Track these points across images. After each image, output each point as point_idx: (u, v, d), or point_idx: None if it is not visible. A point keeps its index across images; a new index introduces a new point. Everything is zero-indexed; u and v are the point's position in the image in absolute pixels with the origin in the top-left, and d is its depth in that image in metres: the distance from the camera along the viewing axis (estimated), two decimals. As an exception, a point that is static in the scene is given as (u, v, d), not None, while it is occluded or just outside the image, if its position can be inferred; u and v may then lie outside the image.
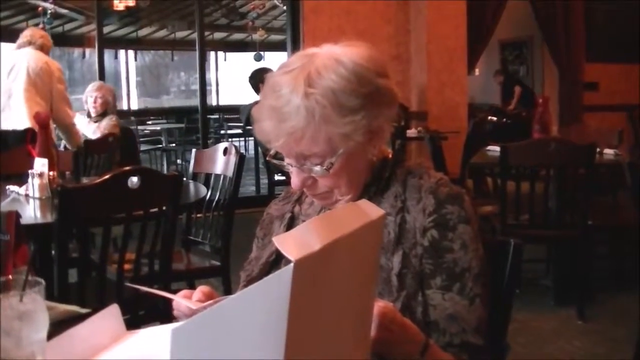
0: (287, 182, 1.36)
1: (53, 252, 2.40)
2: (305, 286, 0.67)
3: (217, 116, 12.68)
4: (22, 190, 2.89)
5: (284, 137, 1.19)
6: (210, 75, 15.01)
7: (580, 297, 3.81)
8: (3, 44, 7.62)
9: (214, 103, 15.05)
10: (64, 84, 4.80)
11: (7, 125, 4.52)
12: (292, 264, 0.64)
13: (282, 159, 1.27)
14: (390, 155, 1.34)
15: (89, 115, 5.22)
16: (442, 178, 1.30)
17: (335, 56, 1.21)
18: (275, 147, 1.24)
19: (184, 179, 2.92)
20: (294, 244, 0.68)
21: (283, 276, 0.64)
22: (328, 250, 0.70)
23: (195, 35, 7.73)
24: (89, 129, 5.13)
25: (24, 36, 4.72)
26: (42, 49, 4.70)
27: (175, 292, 1.26)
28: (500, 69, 10.43)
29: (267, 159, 1.31)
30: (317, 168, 1.22)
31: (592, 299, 3.90)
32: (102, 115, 5.18)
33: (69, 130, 4.80)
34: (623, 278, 4.31)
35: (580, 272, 3.87)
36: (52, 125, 4.37)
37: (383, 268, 1.21)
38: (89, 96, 5.18)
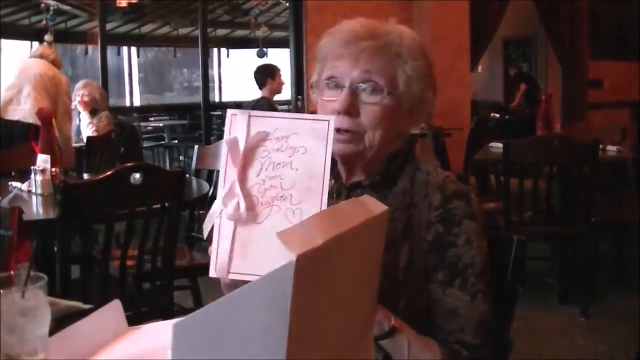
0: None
1: (55, 248, 2.40)
2: (307, 281, 0.66)
3: (219, 113, 12.66)
4: (24, 186, 2.89)
5: (364, 46, 1.25)
6: (213, 72, 14.97)
7: (583, 295, 3.80)
8: (6, 41, 7.65)
9: (217, 99, 15.01)
10: (70, 98, 4.88)
11: (14, 117, 4.56)
12: (294, 259, 0.64)
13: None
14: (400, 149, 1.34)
15: (78, 114, 5.25)
16: (450, 175, 1.31)
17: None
18: (346, 57, 1.26)
19: (187, 175, 2.91)
20: (296, 238, 0.67)
21: (285, 271, 0.64)
22: (330, 245, 0.69)
23: (198, 32, 7.73)
24: (85, 127, 5.15)
25: (37, 50, 4.97)
26: (54, 63, 4.82)
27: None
28: (517, 70, 10.34)
29: (312, 82, 1.34)
30: (372, 89, 1.25)
31: (595, 297, 3.89)
32: (92, 113, 5.20)
33: (66, 144, 4.82)
34: (627, 276, 4.30)
35: (584, 269, 3.86)
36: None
37: (390, 263, 1.21)
38: (76, 95, 5.20)
